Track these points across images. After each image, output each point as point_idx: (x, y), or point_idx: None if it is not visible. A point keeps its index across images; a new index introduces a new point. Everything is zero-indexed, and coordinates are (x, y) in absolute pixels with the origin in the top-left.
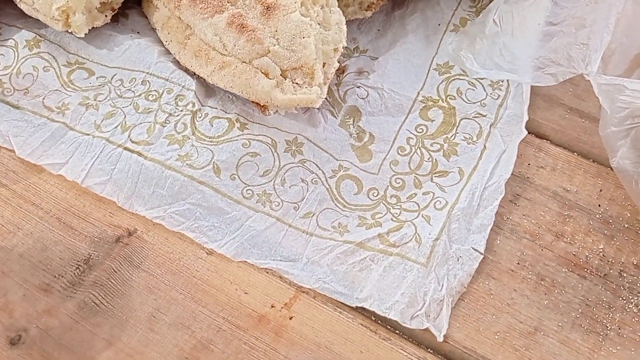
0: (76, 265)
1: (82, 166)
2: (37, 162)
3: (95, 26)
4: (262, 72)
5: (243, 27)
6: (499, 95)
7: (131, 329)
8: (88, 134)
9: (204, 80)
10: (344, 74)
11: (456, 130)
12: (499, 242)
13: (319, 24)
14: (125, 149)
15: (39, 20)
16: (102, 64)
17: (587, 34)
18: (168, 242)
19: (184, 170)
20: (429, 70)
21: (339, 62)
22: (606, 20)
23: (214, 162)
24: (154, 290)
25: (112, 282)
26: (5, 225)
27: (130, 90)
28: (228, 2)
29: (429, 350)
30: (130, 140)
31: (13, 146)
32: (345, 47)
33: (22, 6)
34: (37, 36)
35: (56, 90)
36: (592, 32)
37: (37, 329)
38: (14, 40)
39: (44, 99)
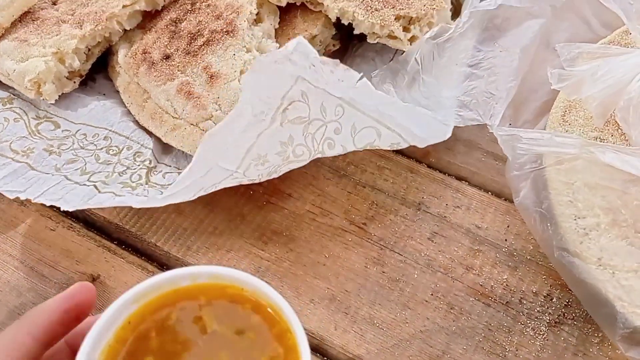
0: None
1: (38, 191)
2: None
3: (64, 92)
4: None
5: (190, 94)
6: None
7: None
8: (48, 174)
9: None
10: None
11: None
12: (416, 275)
13: None
14: (82, 184)
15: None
16: (68, 120)
17: (495, 84)
18: (127, 286)
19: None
20: None
21: None
22: (515, 70)
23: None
24: None
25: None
26: None
27: (92, 143)
28: (178, 71)
29: None
30: (89, 180)
31: None
32: None
33: None
34: (11, 95)
35: (23, 137)
36: (500, 82)
37: None
38: None
39: (11, 143)
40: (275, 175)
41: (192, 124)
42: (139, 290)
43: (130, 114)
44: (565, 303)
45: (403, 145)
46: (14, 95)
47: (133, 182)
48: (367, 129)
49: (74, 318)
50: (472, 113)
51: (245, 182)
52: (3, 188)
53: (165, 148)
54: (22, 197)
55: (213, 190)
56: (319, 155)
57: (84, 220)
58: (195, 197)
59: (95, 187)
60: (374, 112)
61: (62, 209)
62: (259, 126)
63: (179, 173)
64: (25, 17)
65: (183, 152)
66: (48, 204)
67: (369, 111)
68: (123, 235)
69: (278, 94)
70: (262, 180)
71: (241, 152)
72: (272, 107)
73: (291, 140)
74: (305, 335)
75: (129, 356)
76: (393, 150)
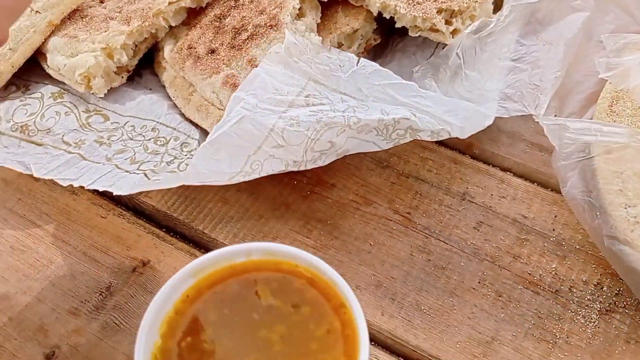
0: (99, 292)
1: (91, 178)
2: (49, 177)
3: (113, 86)
4: None
5: (236, 86)
6: None
7: None
8: (99, 163)
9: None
10: None
11: None
12: (462, 264)
13: None
14: (133, 173)
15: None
16: (117, 113)
17: (539, 76)
18: (175, 270)
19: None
20: None
21: None
22: (559, 63)
23: None
24: None
25: (129, 306)
26: (40, 260)
27: (141, 135)
28: (224, 64)
29: (400, 358)
30: (138, 169)
31: (32, 171)
32: None
33: (50, 72)
34: (62, 90)
35: (75, 129)
36: (544, 74)
37: (67, 346)
38: (40, 92)
39: (63, 136)
40: (320, 163)
41: None
42: (196, 265)
43: (176, 107)
44: (616, 292)
45: (443, 135)
46: (64, 90)
47: (181, 170)
48: (400, 110)
49: None
50: (516, 104)
51: (290, 166)
52: (57, 176)
53: None
54: (76, 184)
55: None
56: (354, 120)
57: (134, 208)
58: (231, 182)
59: (145, 175)
60: (406, 103)
61: (114, 194)
62: (287, 99)
63: None
64: (74, 14)
65: None
66: (101, 190)
67: (401, 102)
68: (171, 223)
69: (297, 85)
70: (305, 164)
71: (272, 118)
72: (293, 92)
73: (321, 110)
74: (361, 309)
75: (188, 328)
76: (435, 142)
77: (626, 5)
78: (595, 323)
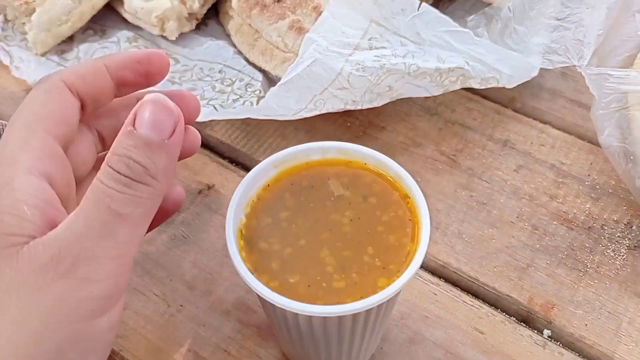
0: None
1: None
2: None
3: (183, 32)
4: None
5: (301, 30)
6: None
7: (210, 255)
8: None
9: (269, 74)
10: None
11: None
12: (502, 200)
13: None
14: (203, 107)
15: (138, 26)
16: (186, 57)
17: (583, 32)
18: None
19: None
20: None
21: None
22: (602, 23)
23: None
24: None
25: (195, 222)
26: None
27: (208, 76)
28: (289, 11)
29: (441, 278)
30: (207, 104)
31: None
32: None
33: (126, 16)
34: (136, 35)
35: None
36: (588, 31)
37: (140, 254)
38: (117, 37)
39: None
40: (375, 104)
41: None
42: (278, 157)
43: (241, 53)
44: None
45: (492, 83)
46: (138, 35)
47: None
48: (455, 58)
49: (140, 71)
50: (560, 57)
51: (349, 105)
52: None
53: (272, 83)
54: None
55: (314, 113)
56: (414, 68)
57: (201, 140)
58: (295, 117)
59: (214, 107)
60: (461, 50)
61: None
62: (352, 42)
63: None
64: None
65: None
66: None
67: (456, 49)
68: (234, 154)
69: (360, 27)
70: (362, 104)
71: (340, 62)
72: (357, 34)
73: (383, 55)
74: (424, 198)
75: (269, 209)
76: (481, 95)
77: None
78: (624, 257)
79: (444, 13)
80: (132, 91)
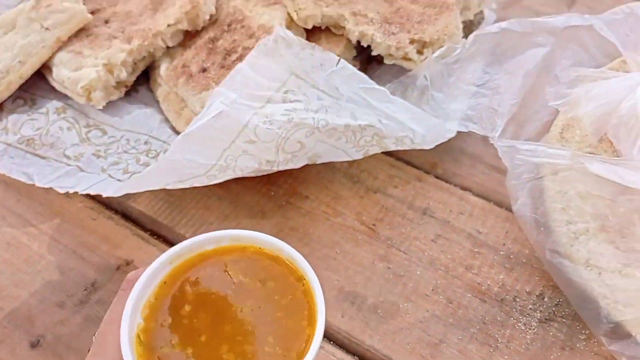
0: (85, 287)
1: (86, 186)
2: (49, 186)
3: (111, 100)
4: None
5: None
6: None
7: None
8: (94, 173)
9: None
10: None
11: None
12: (419, 272)
13: None
14: (124, 181)
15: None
16: (114, 127)
17: (498, 101)
18: None
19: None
20: None
21: None
22: (517, 91)
23: None
24: None
25: (111, 301)
26: (33, 256)
27: (134, 148)
28: (213, 81)
29: (355, 356)
30: (129, 178)
31: (35, 181)
32: None
33: (54, 84)
34: (65, 105)
35: (76, 144)
36: (503, 100)
37: (52, 335)
38: (46, 108)
39: (65, 150)
40: (292, 165)
41: None
42: (172, 253)
43: (168, 120)
44: (556, 302)
45: (407, 142)
46: (67, 105)
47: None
48: (368, 115)
49: None
50: (475, 125)
51: (264, 165)
52: (56, 185)
53: None
54: (71, 191)
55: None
56: (322, 123)
57: (122, 212)
58: (209, 178)
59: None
60: (376, 108)
61: (104, 196)
62: (265, 95)
63: None
64: (80, 32)
65: None
66: (92, 193)
67: (371, 106)
68: (156, 227)
69: (278, 79)
70: (278, 164)
71: (248, 114)
72: (273, 87)
73: (295, 110)
74: (317, 280)
75: (170, 309)
76: (404, 161)
77: (584, 43)
78: (535, 330)
79: (372, 76)
80: None
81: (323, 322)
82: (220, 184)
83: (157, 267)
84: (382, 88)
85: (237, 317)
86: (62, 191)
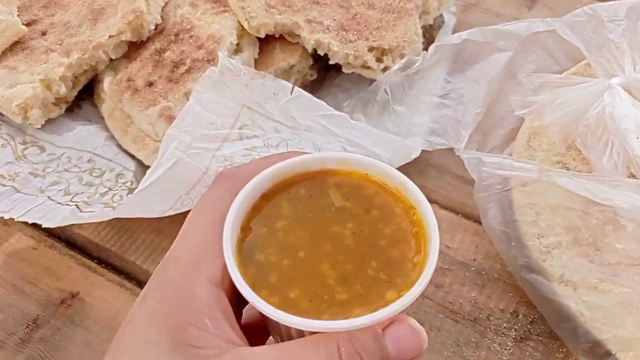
0: (26, 325)
1: (22, 210)
2: None
3: (51, 117)
4: None
5: (171, 118)
6: None
7: None
8: (32, 195)
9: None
10: None
11: None
12: None
13: None
14: (65, 204)
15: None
16: (54, 144)
17: (462, 112)
18: (105, 302)
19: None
20: None
21: None
22: (481, 100)
23: None
24: (91, 344)
25: (55, 339)
26: None
27: (76, 166)
28: (161, 97)
29: None
30: (71, 200)
31: None
32: None
33: None
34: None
35: (10, 162)
36: (467, 110)
37: None
38: None
39: None
40: None
41: None
42: (274, 170)
43: (114, 138)
44: (531, 320)
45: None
46: (1, 121)
47: (114, 202)
48: (331, 144)
49: None
50: (440, 139)
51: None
52: None
53: (146, 171)
54: (6, 216)
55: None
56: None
57: (66, 240)
58: (162, 215)
59: (77, 206)
60: (338, 134)
61: (43, 227)
62: (220, 133)
63: None
64: (15, 46)
65: None
66: (31, 222)
67: (333, 134)
68: (104, 254)
69: (230, 115)
70: None
71: (206, 159)
72: (227, 123)
73: (254, 148)
74: (431, 208)
75: (265, 218)
76: None
77: (548, 46)
78: (511, 350)
79: (331, 84)
80: None
81: (437, 252)
82: None
83: (260, 180)
84: (341, 114)
85: (337, 238)
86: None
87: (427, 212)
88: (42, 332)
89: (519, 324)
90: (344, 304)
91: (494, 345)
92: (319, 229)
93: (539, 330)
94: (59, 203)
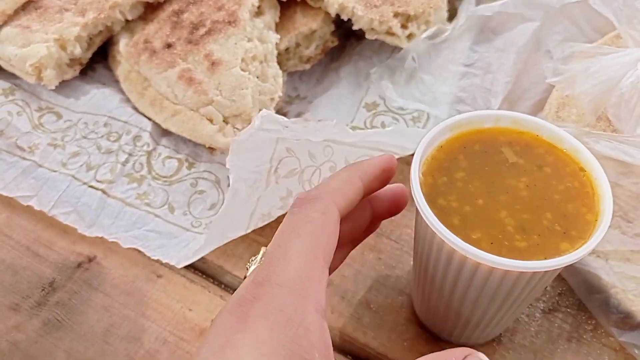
0: (42, 288)
1: (49, 198)
2: (9, 195)
3: (65, 79)
4: (207, 119)
5: (191, 80)
6: (418, 127)
7: (88, 342)
8: (56, 171)
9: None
10: None
11: None
12: (412, 263)
13: (257, 77)
14: (90, 186)
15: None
16: (69, 109)
17: (491, 80)
18: (123, 267)
19: (142, 207)
20: (358, 108)
21: (277, 109)
22: (510, 69)
23: (169, 202)
24: (109, 308)
25: (72, 302)
26: None
27: (93, 132)
28: (179, 58)
29: (348, 355)
30: (96, 179)
31: None
32: (288, 95)
33: (0, 63)
34: (13, 85)
35: (28, 132)
36: (496, 78)
37: (6, 343)
38: None
39: (17, 140)
40: None
41: (192, 110)
42: (454, 121)
43: (128, 100)
44: (559, 292)
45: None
46: (15, 85)
47: (137, 172)
48: (361, 157)
49: (384, 179)
50: (468, 107)
51: None
52: (16, 193)
53: (163, 131)
54: (36, 206)
55: None
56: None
57: None
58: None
59: (104, 191)
60: (363, 142)
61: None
62: (256, 192)
63: (178, 158)
64: (28, 5)
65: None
66: (65, 222)
67: (358, 143)
68: None
69: (265, 160)
70: None
71: (245, 219)
72: (263, 173)
73: (289, 192)
74: (603, 171)
75: (444, 169)
76: None
77: (575, 17)
78: (539, 322)
79: (352, 52)
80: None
81: (611, 211)
82: None
83: (439, 130)
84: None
85: (512, 190)
86: (24, 202)
87: (600, 175)
88: (58, 295)
89: (547, 296)
90: (522, 252)
91: (522, 316)
92: (495, 181)
93: (567, 302)
94: (85, 183)
